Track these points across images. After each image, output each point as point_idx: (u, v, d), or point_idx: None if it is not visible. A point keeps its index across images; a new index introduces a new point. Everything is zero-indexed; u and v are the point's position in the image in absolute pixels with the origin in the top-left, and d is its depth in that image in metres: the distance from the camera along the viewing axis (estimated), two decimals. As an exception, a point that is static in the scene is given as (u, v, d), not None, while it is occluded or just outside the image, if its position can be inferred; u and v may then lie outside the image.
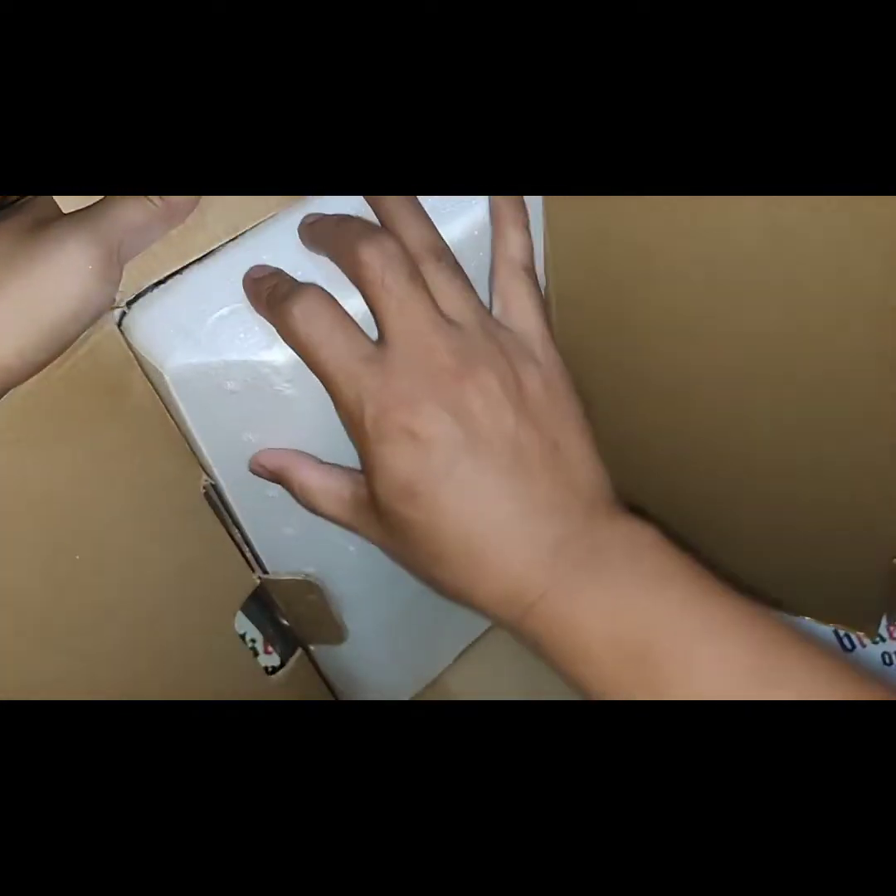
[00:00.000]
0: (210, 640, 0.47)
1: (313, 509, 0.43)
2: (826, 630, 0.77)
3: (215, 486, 0.44)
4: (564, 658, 0.38)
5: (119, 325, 0.39)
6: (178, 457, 0.42)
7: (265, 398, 0.40)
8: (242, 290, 0.40)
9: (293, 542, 0.48)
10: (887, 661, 0.76)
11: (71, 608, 0.40)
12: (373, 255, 0.39)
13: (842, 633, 0.77)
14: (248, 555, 0.47)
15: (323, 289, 0.39)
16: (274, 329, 0.39)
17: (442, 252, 0.41)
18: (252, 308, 0.40)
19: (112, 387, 0.39)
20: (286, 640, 0.54)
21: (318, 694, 0.56)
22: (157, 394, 0.41)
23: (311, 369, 0.39)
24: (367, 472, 0.40)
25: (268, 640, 0.57)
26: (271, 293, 0.39)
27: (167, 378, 0.39)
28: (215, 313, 0.40)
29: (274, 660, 0.57)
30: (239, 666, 0.49)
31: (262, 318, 0.40)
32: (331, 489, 0.42)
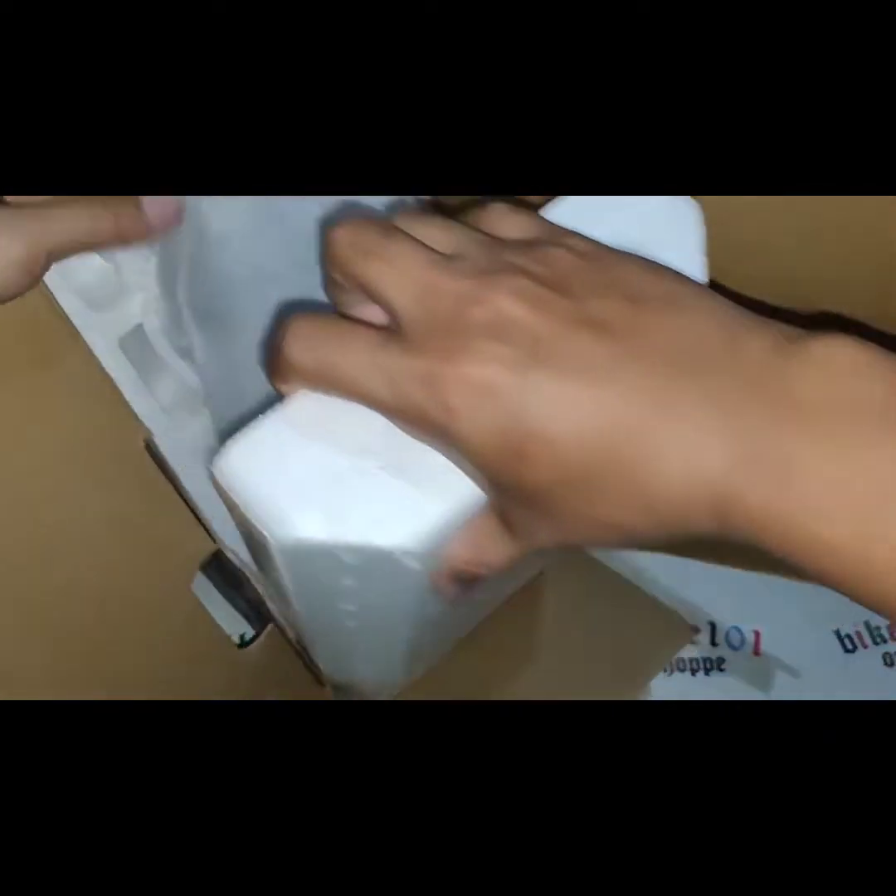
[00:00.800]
0: (167, 603, 0.45)
1: (491, 573, 0.35)
2: (826, 629, 0.75)
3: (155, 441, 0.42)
4: (798, 559, 0.28)
5: (211, 466, 0.33)
6: (113, 408, 0.41)
7: (384, 569, 0.34)
8: (375, 437, 0.32)
9: (351, 631, 0.42)
10: (888, 661, 0.74)
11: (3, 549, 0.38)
12: (337, 235, 0.32)
13: (843, 633, 0.75)
14: (203, 518, 0.45)
15: (311, 312, 0.33)
16: (413, 500, 0.32)
17: (404, 209, 0.35)
18: (387, 467, 0.32)
19: (40, 336, 0.38)
20: (257, 613, 0.52)
21: (290, 668, 0.54)
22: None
23: (345, 397, 0.32)
24: (473, 476, 0.32)
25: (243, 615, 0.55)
26: (268, 357, 0.33)
27: (274, 546, 0.33)
28: (338, 470, 0.32)
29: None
30: (202, 633, 0.48)
31: (398, 479, 0.32)
32: (479, 541, 0.34)
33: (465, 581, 0.35)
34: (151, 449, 0.42)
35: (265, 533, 0.32)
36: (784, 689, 0.75)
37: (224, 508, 0.45)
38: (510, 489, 0.31)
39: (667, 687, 0.75)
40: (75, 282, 0.40)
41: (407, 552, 0.32)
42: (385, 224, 0.33)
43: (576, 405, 0.29)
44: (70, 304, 0.40)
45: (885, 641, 0.75)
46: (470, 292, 0.30)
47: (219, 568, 0.47)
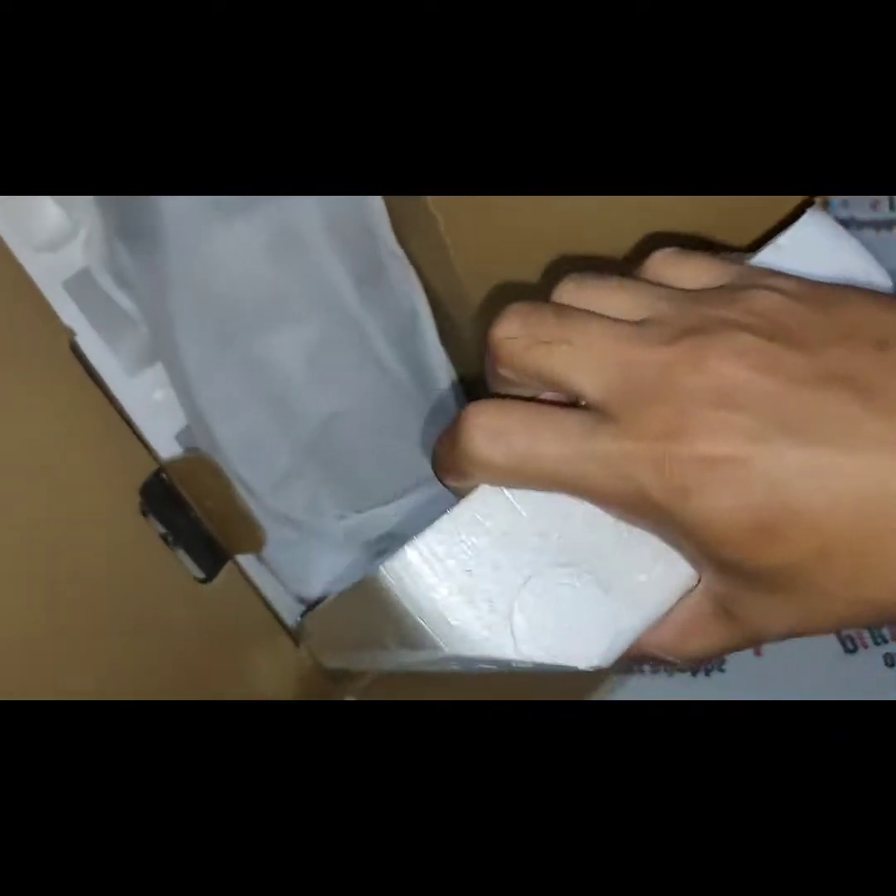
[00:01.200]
0: (109, 529, 0.43)
1: (687, 665, 0.32)
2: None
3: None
4: None
5: (383, 567, 0.30)
6: (33, 307, 0.39)
7: (547, 671, 0.31)
8: (564, 537, 0.30)
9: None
10: (889, 662, 0.71)
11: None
12: (503, 331, 0.30)
13: (843, 633, 0.73)
14: (142, 432, 0.43)
15: (490, 401, 0.30)
16: (608, 613, 0.30)
17: (566, 276, 0.31)
18: (578, 573, 0.30)
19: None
20: (212, 551, 0.48)
21: (252, 610, 0.53)
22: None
23: (547, 489, 0.29)
24: (696, 560, 0.29)
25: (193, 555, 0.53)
26: (441, 452, 0.31)
27: (446, 657, 0.30)
28: (525, 577, 0.29)
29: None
30: (151, 565, 0.45)
31: (591, 587, 0.30)
32: (685, 631, 0.31)
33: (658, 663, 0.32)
34: (77, 350, 0.41)
35: (443, 645, 0.30)
36: (784, 690, 0.72)
37: (164, 424, 0.44)
38: (748, 571, 0.28)
39: (667, 687, 0.73)
40: (22, 223, 0.40)
41: (593, 667, 0.30)
42: (554, 306, 0.30)
43: (838, 474, 0.26)
44: (18, 247, 0.39)
45: (885, 642, 0.73)
46: (680, 358, 0.27)
47: (158, 494, 0.46)
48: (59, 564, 0.41)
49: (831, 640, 0.73)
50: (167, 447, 0.45)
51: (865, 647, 0.73)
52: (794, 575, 0.27)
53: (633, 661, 0.32)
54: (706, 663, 0.29)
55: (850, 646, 0.73)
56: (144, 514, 0.44)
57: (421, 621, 0.30)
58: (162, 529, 0.46)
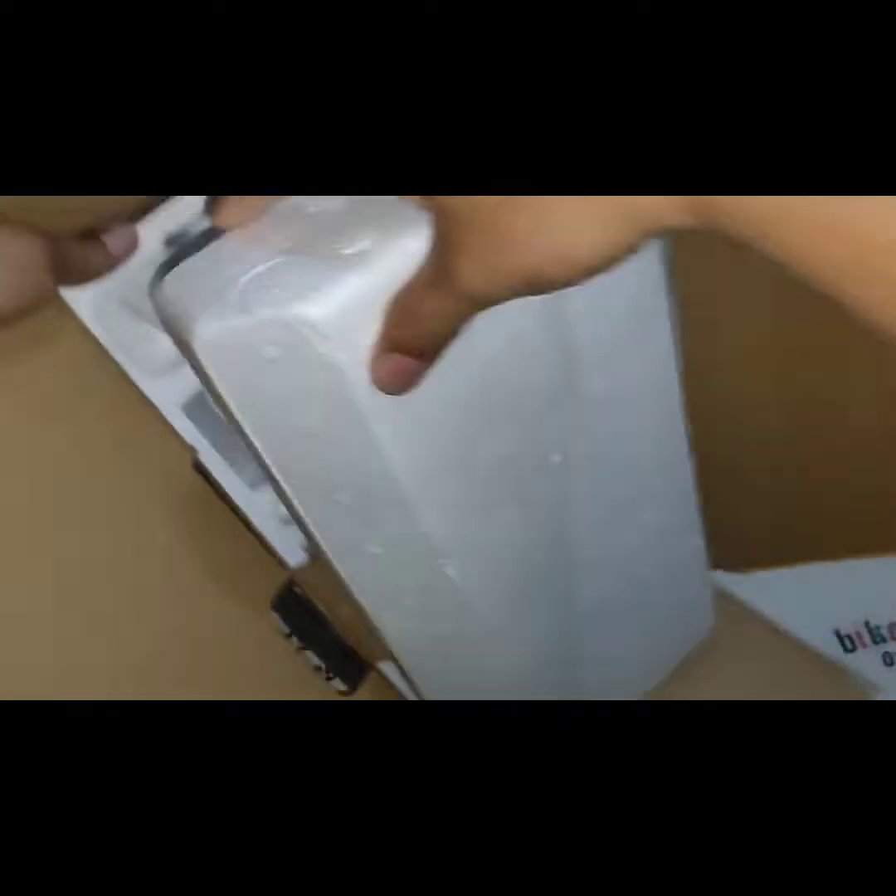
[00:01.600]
0: (244, 645, 0.40)
1: (428, 330, 0.34)
2: (826, 629, 0.73)
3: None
4: (819, 273, 0.26)
5: (151, 293, 0.35)
6: (156, 429, 0.38)
7: (310, 367, 0.33)
8: (285, 242, 0.34)
9: (378, 562, 0.39)
10: (888, 661, 0.72)
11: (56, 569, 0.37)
12: None
13: (843, 633, 0.73)
14: (271, 543, 0.40)
15: None
16: (318, 279, 0.32)
17: None
18: (301, 257, 0.33)
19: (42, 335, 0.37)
20: (352, 661, 0.45)
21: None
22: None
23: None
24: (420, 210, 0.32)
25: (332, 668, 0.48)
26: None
27: (196, 347, 0.33)
28: (250, 272, 0.33)
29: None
30: (291, 681, 0.42)
31: (305, 269, 0.33)
32: (410, 294, 0.33)
33: (404, 350, 0.33)
34: (201, 468, 0.39)
35: (185, 335, 0.33)
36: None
37: (291, 534, 0.41)
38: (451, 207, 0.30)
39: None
40: (131, 347, 0.39)
41: (312, 326, 0.32)
42: None
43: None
44: (133, 371, 0.39)
45: (884, 641, 0.73)
46: None
47: (292, 606, 0.42)
48: (196, 684, 0.41)
49: (831, 640, 0.73)
50: (295, 556, 0.42)
51: (864, 646, 0.73)
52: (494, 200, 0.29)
53: (385, 349, 0.34)
54: (445, 342, 0.33)
55: (849, 645, 0.73)
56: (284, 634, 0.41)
57: (173, 324, 0.34)
58: (298, 643, 0.42)
